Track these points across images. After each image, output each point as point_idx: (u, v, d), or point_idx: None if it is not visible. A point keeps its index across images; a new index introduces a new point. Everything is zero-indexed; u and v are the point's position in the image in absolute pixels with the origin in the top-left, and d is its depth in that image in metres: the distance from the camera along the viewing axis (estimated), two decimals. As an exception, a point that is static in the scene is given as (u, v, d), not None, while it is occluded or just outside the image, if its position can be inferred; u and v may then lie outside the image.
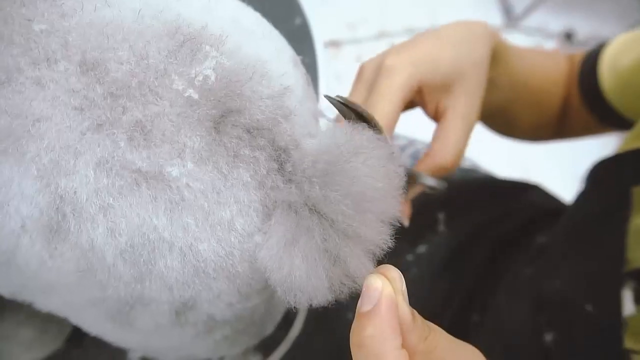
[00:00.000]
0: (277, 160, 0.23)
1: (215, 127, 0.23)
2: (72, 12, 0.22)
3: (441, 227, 0.54)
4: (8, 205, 0.22)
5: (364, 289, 0.21)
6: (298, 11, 0.45)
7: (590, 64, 0.51)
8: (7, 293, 0.27)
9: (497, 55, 0.43)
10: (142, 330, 0.28)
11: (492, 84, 0.45)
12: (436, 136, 0.39)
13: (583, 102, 0.52)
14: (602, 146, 1.34)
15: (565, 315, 0.39)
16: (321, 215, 0.22)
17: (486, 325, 0.47)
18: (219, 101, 0.23)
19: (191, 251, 0.23)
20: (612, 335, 0.34)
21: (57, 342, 0.40)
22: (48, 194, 0.22)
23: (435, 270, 0.51)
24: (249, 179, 0.23)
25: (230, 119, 0.23)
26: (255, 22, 0.26)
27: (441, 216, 0.54)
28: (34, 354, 0.39)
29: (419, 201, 0.41)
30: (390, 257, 0.29)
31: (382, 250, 0.23)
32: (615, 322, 0.34)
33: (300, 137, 0.24)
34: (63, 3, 0.22)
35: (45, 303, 0.27)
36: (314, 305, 0.22)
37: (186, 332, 0.29)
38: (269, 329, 0.43)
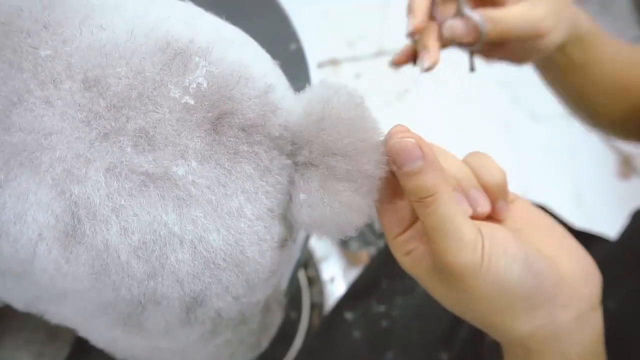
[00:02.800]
0: (277, 148, 0.26)
1: (213, 129, 0.25)
2: (72, 38, 0.24)
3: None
4: (26, 215, 0.23)
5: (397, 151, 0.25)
6: (293, 37, 0.48)
7: None
8: (21, 305, 0.28)
9: (582, 37, 0.47)
10: (152, 332, 0.29)
11: (573, 65, 0.49)
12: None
13: None
14: (601, 166, 1.38)
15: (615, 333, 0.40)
16: (320, 167, 0.26)
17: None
18: (213, 105, 0.25)
19: (201, 243, 0.25)
20: None
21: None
22: (63, 201, 0.23)
23: None
24: (252, 170, 0.25)
25: (226, 120, 0.25)
26: (234, 33, 0.29)
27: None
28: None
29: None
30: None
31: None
32: None
33: (288, 119, 0.27)
34: (63, 31, 0.24)
35: (57, 313, 0.29)
36: (344, 236, 0.27)
37: (194, 331, 0.30)
38: (265, 343, 0.45)
